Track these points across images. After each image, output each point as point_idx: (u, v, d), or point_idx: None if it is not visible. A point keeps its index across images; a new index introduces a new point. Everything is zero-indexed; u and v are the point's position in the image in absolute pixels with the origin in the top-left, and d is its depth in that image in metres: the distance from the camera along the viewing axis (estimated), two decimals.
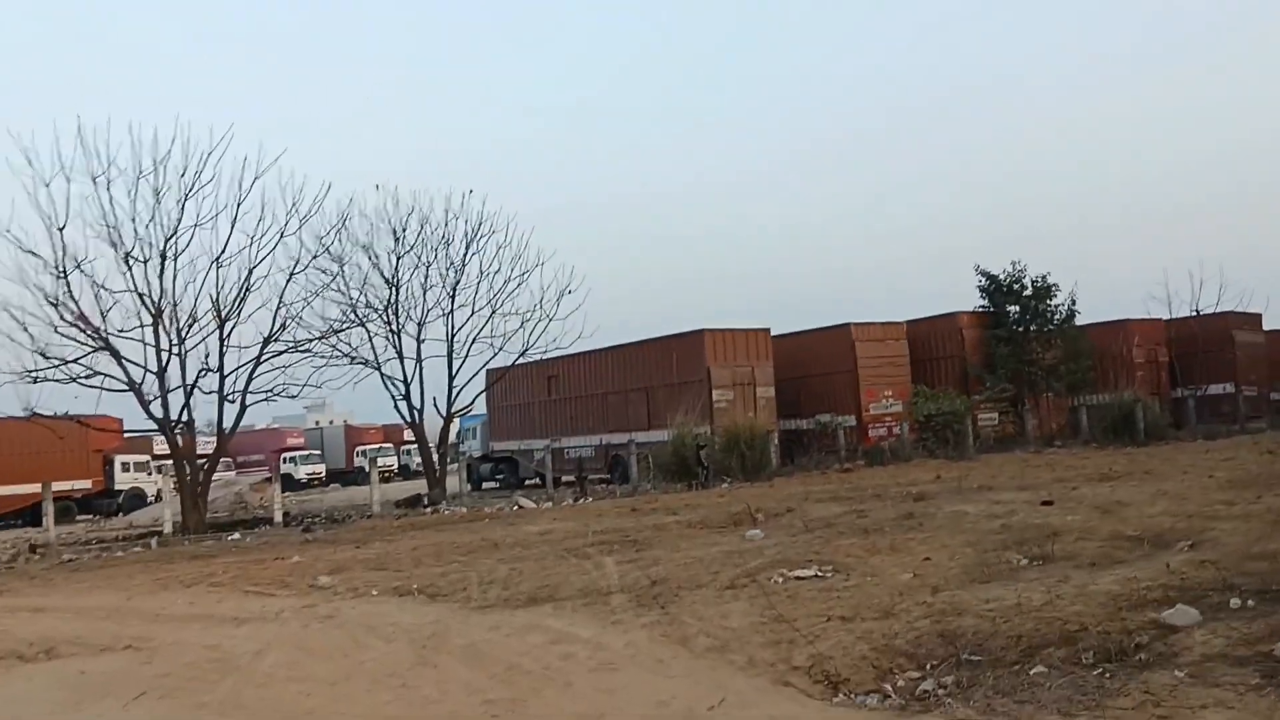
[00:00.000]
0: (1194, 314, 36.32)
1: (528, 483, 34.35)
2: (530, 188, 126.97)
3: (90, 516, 35.65)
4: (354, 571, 13.00)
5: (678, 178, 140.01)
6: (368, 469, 28.09)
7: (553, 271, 39.94)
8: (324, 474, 54.48)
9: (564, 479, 30.82)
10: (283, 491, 40.20)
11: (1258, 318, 36.16)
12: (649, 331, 31.73)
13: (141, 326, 22.33)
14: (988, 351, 32.07)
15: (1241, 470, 17.24)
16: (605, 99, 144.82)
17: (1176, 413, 32.70)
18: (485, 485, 35.99)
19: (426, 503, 25.26)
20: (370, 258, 27.27)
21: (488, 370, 31.40)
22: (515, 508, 22.67)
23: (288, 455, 54.67)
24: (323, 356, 25.36)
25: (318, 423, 69.94)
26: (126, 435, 33.44)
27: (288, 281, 24.20)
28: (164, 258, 22.36)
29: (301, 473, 53.14)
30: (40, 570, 17.05)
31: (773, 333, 30.33)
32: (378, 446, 54.76)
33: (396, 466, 54.17)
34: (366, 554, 14.94)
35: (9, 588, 14.52)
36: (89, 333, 21.69)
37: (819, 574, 9.48)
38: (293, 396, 24.27)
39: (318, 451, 57.25)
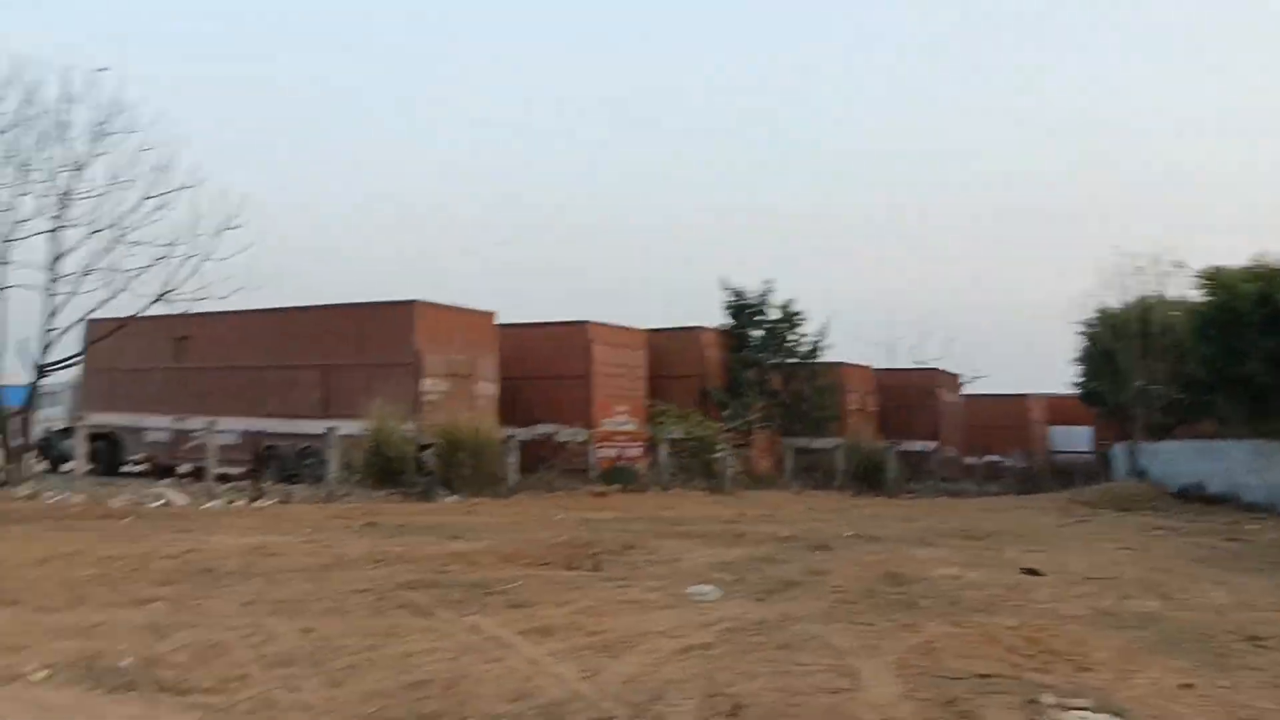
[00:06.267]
0: (913, 366, 35.73)
1: (134, 469, 25.59)
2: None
3: None
4: None
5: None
6: None
7: (216, 194, 29.68)
8: None
9: (179, 469, 22.96)
10: None
11: (956, 378, 36.26)
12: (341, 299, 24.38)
13: None
14: (731, 375, 28.67)
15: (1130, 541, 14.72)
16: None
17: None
18: (64, 467, 26.40)
19: (3, 480, 16.60)
20: None
21: (89, 321, 22.46)
22: (161, 502, 15.13)
23: None
24: None
25: None
26: None
27: None
28: None
29: None
30: None
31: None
32: None
33: None
34: None
35: None
36: None
37: None
38: None
39: None
